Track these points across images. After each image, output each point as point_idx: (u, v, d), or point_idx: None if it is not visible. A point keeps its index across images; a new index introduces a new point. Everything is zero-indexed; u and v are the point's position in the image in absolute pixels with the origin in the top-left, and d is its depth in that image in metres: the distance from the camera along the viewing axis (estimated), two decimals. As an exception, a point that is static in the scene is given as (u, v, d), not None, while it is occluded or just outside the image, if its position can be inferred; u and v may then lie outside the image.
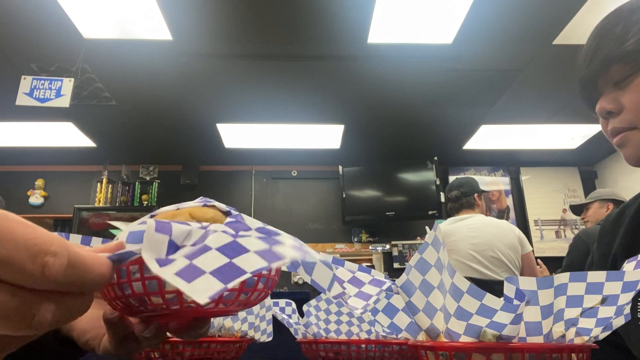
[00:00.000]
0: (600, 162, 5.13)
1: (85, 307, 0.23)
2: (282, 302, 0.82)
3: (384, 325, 0.46)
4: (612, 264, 0.71)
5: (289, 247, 0.30)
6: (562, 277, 0.36)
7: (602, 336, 0.37)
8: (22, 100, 2.78)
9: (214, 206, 0.40)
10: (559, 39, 2.93)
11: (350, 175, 4.88)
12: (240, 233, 0.32)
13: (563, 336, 0.37)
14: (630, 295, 0.35)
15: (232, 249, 0.28)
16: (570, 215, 4.86)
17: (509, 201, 5.15)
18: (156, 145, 4.60)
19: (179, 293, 0.31)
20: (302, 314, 0.77)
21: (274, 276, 0.38)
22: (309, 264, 0.37)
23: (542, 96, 3.71)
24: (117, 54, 3.03)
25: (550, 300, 0.36)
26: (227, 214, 0.39)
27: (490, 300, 0.35)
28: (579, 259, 2.37)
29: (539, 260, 2.86)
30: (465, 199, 2.67)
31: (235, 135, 4.34)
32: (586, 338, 0.36)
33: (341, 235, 4.99)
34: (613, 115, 0.64)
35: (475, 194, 2.69)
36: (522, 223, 5.01)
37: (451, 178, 5.02)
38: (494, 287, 2.17)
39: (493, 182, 5.17)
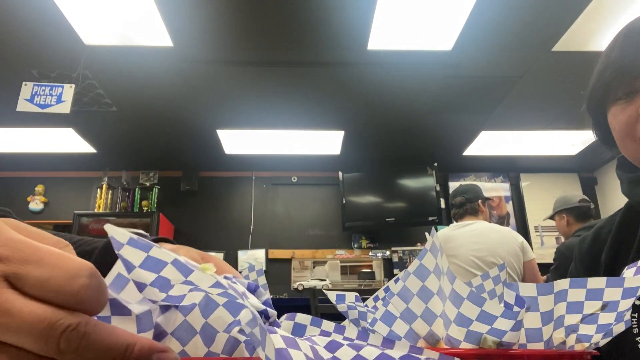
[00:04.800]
0: (600, 168, 5.13)
1: None
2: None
3: (383, 335, 0.46)
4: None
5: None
6: (562, 284, 0.36)
7: (602, 342, 0.36)
8: (22, 106, 2.79)
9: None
10: (558, 46, 2.94)
11: (350, 181, 4.88)
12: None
13: (563, 342, 0.37)
14: (630, 302, 0.35)
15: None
16: (571, 222, 4.86)
17: (509, 207, 5.15)
18: (156, 151, 4.61)
19: None
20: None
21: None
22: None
23: (542, 102, 3.72)
24: (118, 60, 3.04)
25: (550, 306, 0.36)
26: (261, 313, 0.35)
27: (490, 306, 0.35)
28: (567, 274, 2.37)
29: None
30: (469, 205, 2.67)
31: (236, 141, 4.35)
32: (587, 344, 0.36)
33: (341, 241, 4.99)
34: None
35: (480, 201, 2.69)
36: (523, 229, 5.01)
37: (451, 184, 5.03)
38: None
39: (493, 189, 5.17)
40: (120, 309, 0.28)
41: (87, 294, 0.22)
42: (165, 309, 0.31)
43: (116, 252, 0.27)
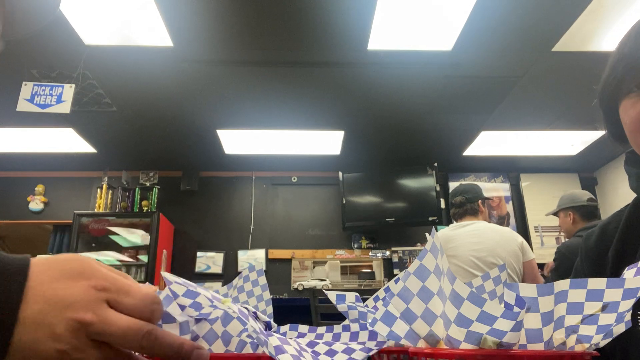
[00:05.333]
0: (600, 168, 5.13)
1: None
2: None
3: (384, 335, 0.46)
4: (612, 275, 0.71)
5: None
6: (562, 284, 0.36)
7: (602, 343, 0.36)
8: (23, 106, 2.79)
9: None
10: (558, 46, 2.94)
11: (350, 181, 4.88)
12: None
13: (564, 343, 0.36)
14: (630, 302, 0.35)
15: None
16: (571, 222, 4.85)
17: (509, 207, 5.15)
18: (156, 151, 4.61)
19: None
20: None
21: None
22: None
23: (542, 102, 3.72)
24: (118, 60, 3.04)
25: (550, 307, 0.36)
26: (266, 324, 0.52)
27: (490, 307, 0.35)
28: (567, 274, 2.35)
29: None
30: (469, 205, 2.66)
31: (236, 141, 4.35)
32: (587, 345, 0.36)
33: (341, 241, 4.99)
34: None
35: (479, 201, 2.68)
36: (523, 229, 5.01)
37: (451, 184, 5.03)
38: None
39: (493, 189, 5.17)
40: (168, 318, 0.44)
41: (157, 314, 0.37)
42: (197, 320, 0.45)
43: (167, 286, 0.43)
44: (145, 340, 0.34)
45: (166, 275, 0.44)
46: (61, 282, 0.34)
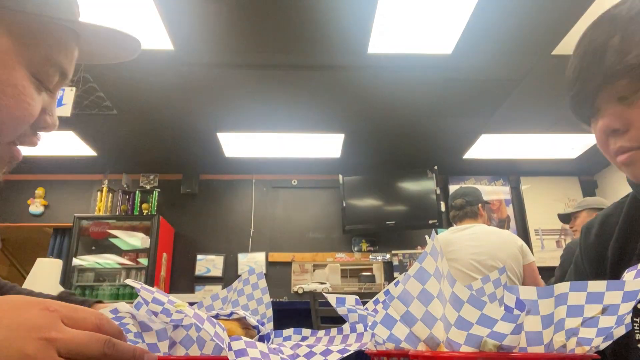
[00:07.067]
0: (600, 171, 5.13)
1: None
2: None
3: (384, 338, 0.46)
4: (612, 274, 0.70)
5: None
6: (562, 287, 0.36)
7: (602, 346, 0.36)
8: (23, 109, 2.79)
9: (239, 319, 0.54)
10: (558, 50, 2.95)
11: (350, 184, 4.88)
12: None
13: (564, 346, 0.36)
14: (630, 305, 0.35)
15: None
16: (571, 225, 4.84)
17: (510, 211, 5.15)
18: (156, 154, 4.61)
19: None
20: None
21: None
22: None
23: (542, 106, 3.73)
24: (119, 63, 3.04)
25: (550, 309, 0.36)
26: (254, 328, 0.55)
27: (491, 310, 0.35)
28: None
29: None
30: (469, 208, 2.65)
31: (236, 144, 4.35)
32: (587, 348, 0.36)
33: (341, 244, 4.98)
34: (618, 133, 0.58)
35: (480, 204, 2.68)
36: (523, 233, 5.00)
37: (451, 187, 5.03)
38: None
39: (493, 192, 5.17)
40: (145, 327, 0.47)
41: (106, 324, 0.40)
42: (174, 327, 0.48)
43: (137, 292, 0.46)
44: (107, 348, 0.38)
45: (129, 281, 0.48)
46: (15, 311, 0.36)
